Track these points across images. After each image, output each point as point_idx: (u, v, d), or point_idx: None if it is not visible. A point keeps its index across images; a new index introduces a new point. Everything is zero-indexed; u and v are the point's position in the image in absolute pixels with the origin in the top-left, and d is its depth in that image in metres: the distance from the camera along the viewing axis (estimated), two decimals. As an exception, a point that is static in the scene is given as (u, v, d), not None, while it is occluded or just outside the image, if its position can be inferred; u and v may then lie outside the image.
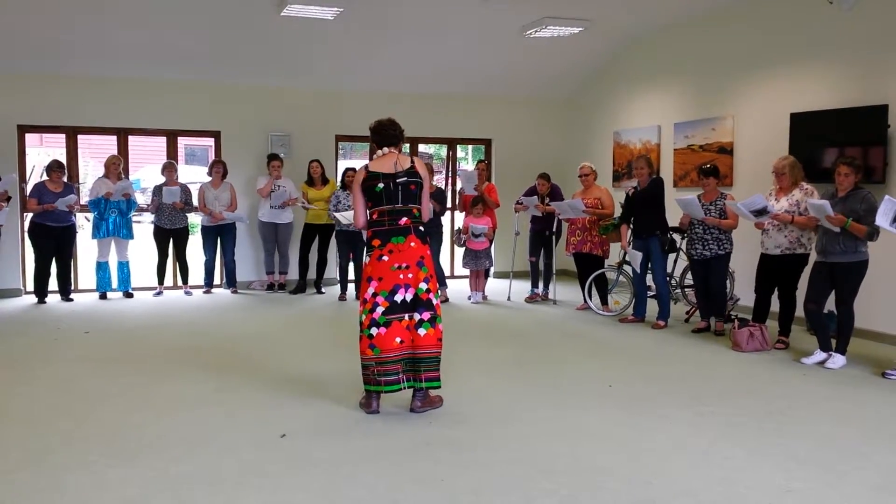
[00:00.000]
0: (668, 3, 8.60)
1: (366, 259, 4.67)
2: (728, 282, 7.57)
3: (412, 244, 4.61)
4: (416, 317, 4.59)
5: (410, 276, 4.59)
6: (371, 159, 4.97)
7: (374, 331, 4.54)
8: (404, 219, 4.62)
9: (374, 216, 4.65)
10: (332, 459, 3.92)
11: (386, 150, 4.75)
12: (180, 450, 4.05)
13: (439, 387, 4.71)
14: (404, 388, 4.60)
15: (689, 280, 8.24)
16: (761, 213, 6.27)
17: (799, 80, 7.64)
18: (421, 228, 4.71)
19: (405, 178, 4.61)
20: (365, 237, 4.79)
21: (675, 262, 8.20)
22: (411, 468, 3.81)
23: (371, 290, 4.57)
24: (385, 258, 4.57)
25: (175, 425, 4.46)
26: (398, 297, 4.55)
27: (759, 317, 6.64)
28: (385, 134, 4.76)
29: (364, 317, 4.59)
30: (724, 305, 7.18)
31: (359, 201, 4.71)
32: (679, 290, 8.32)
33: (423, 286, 4.61)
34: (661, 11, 8.91)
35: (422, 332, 4.59)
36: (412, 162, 4.70)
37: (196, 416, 4.64)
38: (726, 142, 8.56)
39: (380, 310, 4.54)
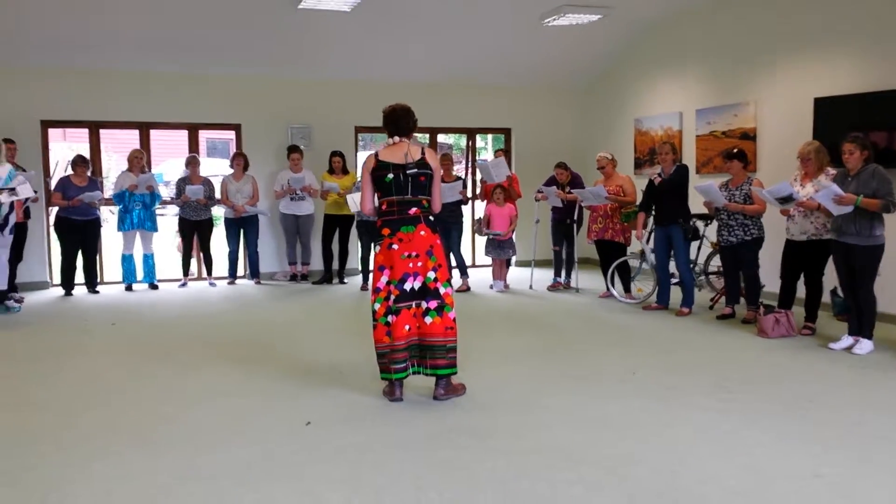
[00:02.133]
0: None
1: (376, 248, 4.69)
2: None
3: (422, 233, 4.62)
4: (424, 305, 4.63)
5: (420, 264, 4.62)
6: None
7: (390, 318, 4.59)
8: (414, 209, 4.64)
9: (384, 206, 4.66)
10: (356, 447, 3.94)
11: (397, 139, 4.73)
12: (206, 439, 4.08)
13: (453, 374, 4.72)
14: (411, 373, 4.67)
15: (713, 266, 8.19)
16: (787, 200, 6.20)
17: (822, 64, 7.53)
18: (431, 217, 4.71)
19: (415, 170, 4.61)
20: (375, 226, 4.79)
21: (699, 248, 8.13)
22: (434, 456, 3.82)
23: (384, 279, 4.62)
24: (395, 247, 4.60)
25: (201, 415, 4.51)
26: (407, 286, 4.59)
27: (784, 303, 6.57)
28: (398, 123, 4.73)
29: (378, 305, 4.62)
30: (758, 293, 7.10)
31: (367, 188, 4.74)
32: (703, 277, 8.27)
33: (432, 275, 4.63)
34: (682, -4, 8.82)
35: (428, 320, 4.62)
36: (423, 153, 4.68)
37: (222, 406, 4.68)
38: (749, 128, 8.46)
39: (392, 298, 4.59)
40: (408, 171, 4.60)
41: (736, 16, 8.65)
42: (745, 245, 6.92)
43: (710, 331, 6.77)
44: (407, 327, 4.60)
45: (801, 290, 6.58)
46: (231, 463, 3.75)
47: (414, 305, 4.62)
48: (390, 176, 4.61)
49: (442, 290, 4.66)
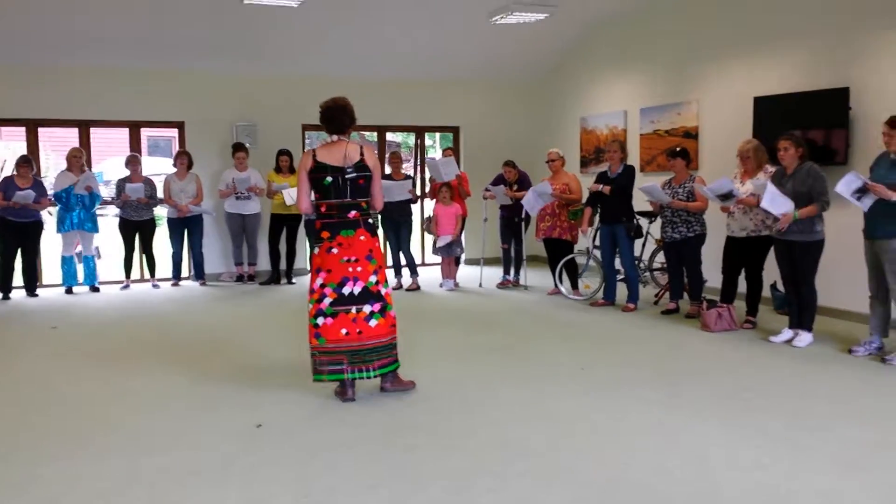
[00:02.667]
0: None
1: (315, 250, 4.65)
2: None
3: (361, 237, 4.61)
4: (367, 308, 4.61)
5: (360, 269, 4.60)
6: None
7: (320, 321, 4.57)
8: (353, 212, 4.61)
9: (323, 209, 4.62)
10: (308, 449, 3.91)
11: (335, 137, 4.65)
12: (153, 443, 4.01)
13: (398, 367, 4.81)
14: (348, 378, 4.62)
15: (657, 263, 8.35)
16: (727, 197, 6.35)
17: (762, 64, 7.73)
18: (370, 221, 4.70)
19: (354, 174, 4.57)
20: (314, 227, 4.73)
21: (644, 245, 8.28)
22: (386, 455, 3.82)
23: (319, 281, 4.59)
24: (334, 251, 4.57)
25: (148, 419, 4.42)
26: (346, 290, 4.57)
27: (727, 298, 6.73)
28: (335, 121, 4.65)
29: (311, 306, 4.60)
30: (700, 288, 7.26)
31: (304, 186, 4.64)
32: (648, 274, 8.42)
33: (373, 279, 4.64)
34: (626, -4, 8.96)
35: (373, 322, 4.61)
36: (361, 153, 4.63)
37: (169, 410, 4.60)
38: (691, 126, 8.65)
39: (327, 301, 4.56)
40: (346, 176, 4.56)
41: (679, 16, 8.83)
42: (687, 241, 7.07)
43: (655, 326, 6.90)
44: (344, 331, 4.57)
45: (742, 286, 6.75)
46: (178, 466, 3.69)
47: (354, 310, 4.58)
48: (329, 179, 4.56)
49: (383, 291, 4.69)
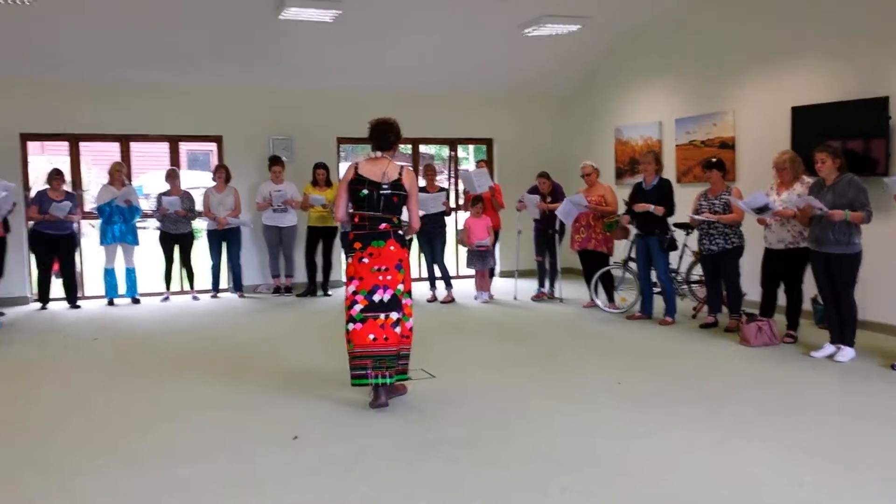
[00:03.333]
0: (667, -1, 8.64)
1: (348, 259, 4.87)
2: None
3: (391, 248, 4.81)
4: (394, 315, 4.79)
5: (389, 277, 4.79)
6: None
7: (350, 326, 4.76)
8: (384, 224, 4.82)
9: (356, 220, 4.85)
10: (345, 459, 3.93)
11: (379, 154, 4.93)
12: (190, 454, 4.06)
13: (404, 379, 4.96)
14: (372, 383, 4.75)
15: (695, 275, 8.25)
16: (763, 210, 6.29)
17: (799, 73, 7.64)
18: (400, 232, 4.89)
19: (389, 191, 4.79)
20: (347, 238, 4.96)
21: (681, 257, 8.20)
22: (423, 466, 3.82)
23: (352, 289, 4.79)
24: (365, 260, 4.78)
25: (185, 430, 4.47)
26: (376, 297, 4.76)
27: (766, 311, 6.63)
28: (380, 139, 4.92)
29: (345, 311, 4.82)
30: (739, 302, 7.16)
31: (342, 196, 4.90)
32: (686, 286, 8.33)
33: (401, 287, 4.82)
34: (659, 6, 8.93)
35: (398, 329, 4.80)
36: (400, 173, 4.83)
37: (206, 420, 4.65)
38: (728, 137, 8.56)
39: (358, 307, 4.75)
40: (381, 191, 4.78)
41: (714, 25, 8.76)
42: (725, 254, 6.98)
43: (693, 340, 6.82)
44: (372, 337, 4.73)
45: (782, 299, 6.65)
46: (215, 477, 3.73)
47: (382, 317, 4.76)
48: (365, 191, 4.78)
49: (404, 301, 4.85)
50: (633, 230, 7.86)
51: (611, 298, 8.33)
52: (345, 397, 5.02)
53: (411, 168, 5.10)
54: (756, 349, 6.32)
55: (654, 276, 7.72)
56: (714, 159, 7.23)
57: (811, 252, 6.02)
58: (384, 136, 4.91)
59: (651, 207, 7.35)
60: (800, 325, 6.64)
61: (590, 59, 10.65)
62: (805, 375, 5.52)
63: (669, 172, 9.35)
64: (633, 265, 8.03)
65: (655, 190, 7.51)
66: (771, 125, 7.92)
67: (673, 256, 7.80)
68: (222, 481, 3.68)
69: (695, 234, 7.51)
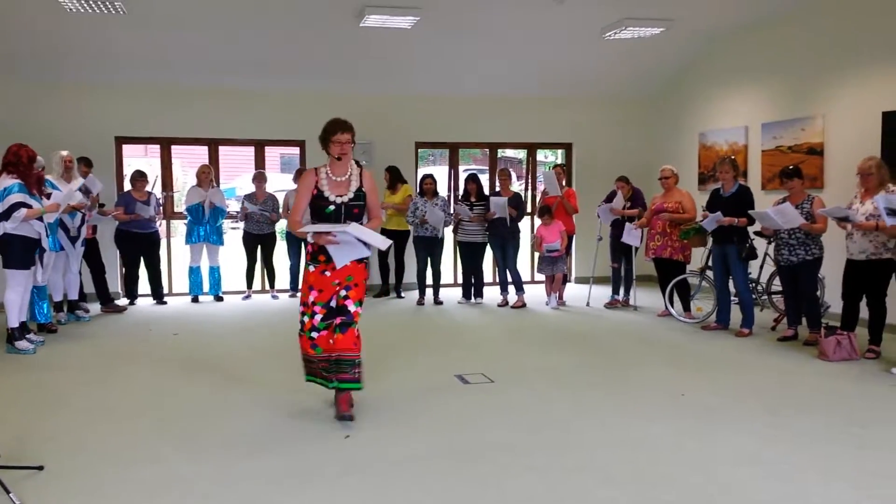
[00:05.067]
0: (752, 0, 8.33)
1: (310, 267, 4.71)
2: (818, 288, 7.23)
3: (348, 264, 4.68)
4: (338, 319, 4.71)
5: (352, 291, 4.73)
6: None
7: (314, 334, 4.71)
8: None
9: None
10: (391, 460, 3.98)
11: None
12: (251, 448, 4.18)
13: (360, 388, 4.79)
14: (332, 387, 4.77)
15: (776, 286, 7.94)
16: (844, 219, 6.04)
17: (891, 77, 7.25)
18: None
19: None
20: (309, 247, 4.72)
21: (762, 267, 7.91)
22: (469, 471, 3.83)
23: (312, 298, 4.69)
24: (327, 273, 4.67)
25: (246, 424, 4.62)
26: (332, 304, 4.71)
27: (847, 324, 6.33)
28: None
29: (307, 319, 4.72)
30: (818, 314, 6.86)
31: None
32: (766, 297, 8.03)
33: (343, 293, 4.70)
34: (745, 8, 8.63)
35: (336, 335, 4.69)
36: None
37: (267, 416, 4.79)
38: (816, 142, 8.21)
39: (318, 317, 4.69)
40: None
41: (803, 28, 8.41)
42: (805, 265, 6.69)
43: (768, 353, 6.56)
44: (331, 341, 4.71)
45: (865, 312, 6.32)
46: (269, 472, 3.83)
47: (333, 323, 4.71)
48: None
49: (352, 309, 4.73)
50: (711, 238, 7.62)
51: (686, 308, 8.11)
52: (401, 398, 5.07)
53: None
54: (834, 364, 6.04)
55: (732, 285, 7.48)
56: (791, 167, 6.94)
57: (894, 263, 5.71)
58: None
59: (735, 221, 7.11)
60: (883, 340, 6.29)
61: (672, 62, 10.41)
62: (882, 393, 5.24)
63: (754, 178, 9.05)
64: (710, 274, 7.79)
65: (734, 197, 7.27)
66: (861, 130, 7.55)
67: (753, 265, 7.53)
68: (276, 476, 3.78)
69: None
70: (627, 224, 8.60)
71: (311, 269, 4.72)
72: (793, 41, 8.58)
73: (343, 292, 4.72)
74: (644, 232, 8.67)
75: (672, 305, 8.18)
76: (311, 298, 4.71)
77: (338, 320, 4.71)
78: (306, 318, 4.73)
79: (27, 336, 6.69)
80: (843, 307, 6.39)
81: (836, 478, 3.73)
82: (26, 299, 6.68)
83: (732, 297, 7.56)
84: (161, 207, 9.49)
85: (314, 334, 4.72)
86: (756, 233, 7.46)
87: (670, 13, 8.58)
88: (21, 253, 6.44)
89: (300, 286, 4.88)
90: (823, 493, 3.56)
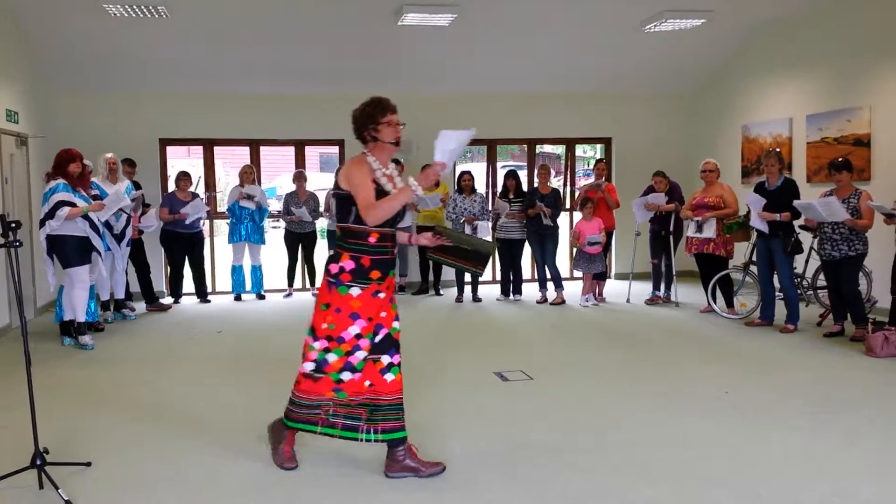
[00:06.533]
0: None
1: (352, 290, 3.66)
2: (865, 283, 7.08)
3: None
4: (386, 360, 3.77)
5: (384, 314, 3.79)
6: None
7: (345, 375, 3.72)
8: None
9: (373, 238, 3.67)
10: (440, 459, 3.95)
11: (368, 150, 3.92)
12: (297, 447, 4.20)
13: (405, 437, 3.79)
14: (363, 440, 3.75)
15: (821, 281, 7.79)
16: (890, 216, 5.92)
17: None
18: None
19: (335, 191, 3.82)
20: (348, 262, 3.68)
21: (807, 262, 7.77)
22: (510, 470, 3.83)
23: (354, 330, 3.69)
24: (381, 295, 3.73)
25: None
26: (378, 338, 3.76)
27: (895, 320, 6.18)
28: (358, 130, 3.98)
29: (336, 358, 3.72)
30: (862, 310, 6.72)
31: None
32: (811, 293, 7.88)
33: (397, 325, 3.82)
34: (788, -1, 8.49)
35: (389, 377, 3.75)
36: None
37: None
38: (863, 133, 8.02)
39: (361, 354, 3.71)
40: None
41: (847, 18, 8.23)
42: (847, 260, 6.55)
43: (814, 349, 6.45)
44: (369, 383, 3.74)
45: (915, 307, 6.18)
46: (312, 472, 3.87)
47: (380, 360, 3.77)
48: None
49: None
50: (755, 232, 7.49)
51: (729, 303, 7.99)
52: (443, 396, 5.08)
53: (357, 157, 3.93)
54: (882, 360, 5.91)
55: (776, 280, 7.35)
56: (841, 159, 6.79)
57: None
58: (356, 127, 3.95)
59: (777, 217, 6.99)
60: (934, 336, 6.14)
61: (714, 54, 10.25)
62: (935, 391, 5.12)
63: (799, 171, 8.88)
64: (753, 269, 7.66)
65: (779, 191, 7.14)
66: (910, 121, 7.36)
67: (798, 260, 7.39)
68: (317, 475, 3.82)
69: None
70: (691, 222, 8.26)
71: (355, 292, 3.67)
72: (836, 32, 8.39)
73: (396, 324, 3.80)
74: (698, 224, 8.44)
75: (715, 301, 8.06)
76: (352, 331, 3.68)
77: (395, 359, 3.77)
78: (333, 357, 3.71)
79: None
80: (892, 302, 6.24)
81: (888, 474, 3.66)
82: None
83: (777, 293, 7.43)
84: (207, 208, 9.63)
85: (345, 375, 3.72)
86: (801, 226, 7.33)
87: (711, 5, 8.47)
88: (75, 252, 6.64)
89: (327, 315, 3.74)
90: (871, 491, 3.49)
